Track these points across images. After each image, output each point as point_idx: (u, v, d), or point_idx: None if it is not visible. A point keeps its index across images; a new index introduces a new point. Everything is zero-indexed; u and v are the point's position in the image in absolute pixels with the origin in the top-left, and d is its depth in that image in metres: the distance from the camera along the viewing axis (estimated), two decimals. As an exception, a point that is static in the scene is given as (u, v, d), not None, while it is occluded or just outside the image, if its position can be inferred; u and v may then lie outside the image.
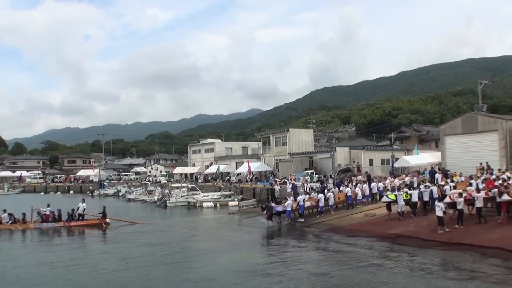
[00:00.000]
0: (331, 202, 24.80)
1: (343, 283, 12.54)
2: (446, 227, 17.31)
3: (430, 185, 22.56)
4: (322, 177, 38.39)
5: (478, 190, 19.02)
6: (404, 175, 30.10)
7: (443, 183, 22.97)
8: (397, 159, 39.79)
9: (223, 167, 61.28)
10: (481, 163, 26.37)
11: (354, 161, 43.35)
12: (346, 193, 25.81)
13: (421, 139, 67.23)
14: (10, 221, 25.96)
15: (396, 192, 22.13)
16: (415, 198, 21.34)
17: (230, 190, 44.03)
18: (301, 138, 53.76)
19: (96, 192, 61.57)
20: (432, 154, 38.79)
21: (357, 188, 26.27)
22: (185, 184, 48.29)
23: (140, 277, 14.04)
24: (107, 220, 26.91)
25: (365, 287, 12.07)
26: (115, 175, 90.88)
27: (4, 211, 26.70)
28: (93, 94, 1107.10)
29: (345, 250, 16.89)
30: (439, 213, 17.32)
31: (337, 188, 27.69)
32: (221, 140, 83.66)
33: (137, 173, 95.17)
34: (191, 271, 14.82)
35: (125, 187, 60.43)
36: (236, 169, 56.75)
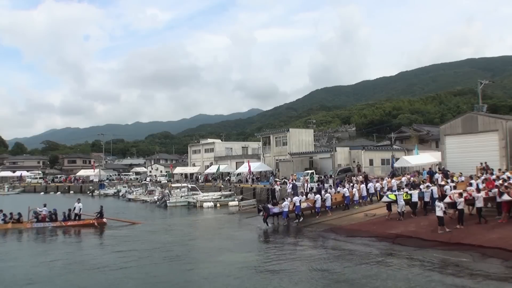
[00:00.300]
0: (328, 203, 24.73)
1: (343, 283, 12.53)
2: (446, 227, 17.31)
3: (430, 185, 22.55)
4: (322, 177, 38.38)
5: (478, 190, 19.00)
6: (401, 176, 30.06)
7: (443, 183, 22.97)
8: (397, 159, 39.79)
9: (223, 167, 61.26)
10: (481, 163, 26.37)
11: (354, 161, 43.34)
12: (344, 194, 25.72)
13: (421, 139, 67.21)
14: (2, 221, 25.85)
15: (396, 192, 22.12)
16: (415, 198, 21.33)
17: (230, 190, 44.04)
18: (301, 138, 53.74)
19: (96, 192, 61.56)
20: (432, 154, 38.79)
21: (354, 189, 26.19)
22: (185, 184, 48.30)
23: (139, 277, 14.03)
24: (104, 220, 26.90)
25: (365, 287, 12.07)
26: (115, 175, 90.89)
27: (0, 211, 26.69)
28: (93, 94, 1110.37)
29: (345, 250, 16.88)
30: (439, 213, 17.32)
31: (333, 189, 27.56)
32: (221, 140, 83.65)
33: (137, 173, 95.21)
34: (191, 271, 14.81)
35: (125, 187, 60.45)
36: (236, 169, 56.76)
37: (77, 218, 26.93)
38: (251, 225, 24.79)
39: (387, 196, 22.15)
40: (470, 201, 18.55)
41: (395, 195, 21.53)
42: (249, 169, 48.78)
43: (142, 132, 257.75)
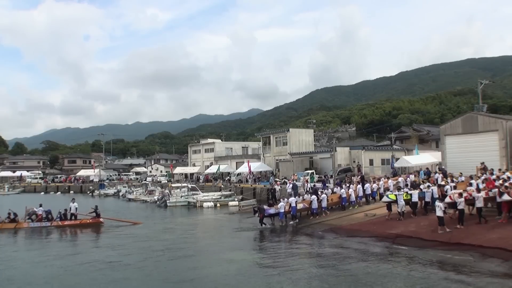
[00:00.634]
0: (324, 203, 24.61)
1: (343, 283, 12.54)
2: (447, 227, 17.31)
3: (431, 185, 22.54)
4: (323, 177, 38.39)
5: (478, 190, 18.99)
6: (397, 176, 29.97)
7: (443, 183, 22.96)
8: (397, 159, 39.77)
9: (223, 167, 61.27)
10: (481, 163, 26.35)
11: (354, 161, 43.33)
12: (340, 195, 25.63)
13: (421, 139, 67.16)
14: None
15: (397, 192, 22.11)
16: (415, 198, 21.32)
17: (230, 190, 44.05)
18: (301, 138, 53.72)
19: (96, 192, 61.55)
20: (432, 154, 38.77)
21: (350, 189, 26.05)
22: (185, 184, 48.32)
23: (139, 277, 14.04)
24: (101, 219, 26.89)
25: (365, 287, 12.08)
26: (116, 175, 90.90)
27: None
28: (93, 94, 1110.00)
29: (345, 250, 16.89)
30: (439, 213, 17.33)
31: (330, 190, 27.43)
32: (221, 140, 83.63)
33: (137, 173, 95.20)
34: (190, 271, 14.81)
35: (125, 187, 60.48)
36: (236, 169, 56.76)
37: (73, 217, 26.94)
38: (251, 225, 24.77)
39: (387, 196, 22.14)
40: (470, 201, 18.54)
41: (395, 195, 21.51)
42: (249, 169, 48.79)
43: (142, 132, 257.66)
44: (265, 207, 24.45)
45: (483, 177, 21.97)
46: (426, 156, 38.06)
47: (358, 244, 17.77)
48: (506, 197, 17.43)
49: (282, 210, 23.70)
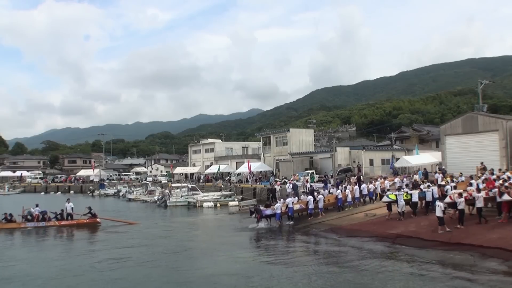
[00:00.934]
0: (320, 204, 24.51)
1: (343, 283, 12.54)
2: (447, 227, 17.31)
3: (431, 184, 22.54)
4: (324, 177, 38.38)
5: (478, 190, 19.00)
6: (394, 176, 29.95)
7: (443, 183, 22.96)
8: (397, 159, 39.79)
9: (224, 167, 61.30)
10: (481, 163, 26.36)
11: (354, 161, 43.35)
12: (337, 196, 25.53)
13: (422, 139, 67.15)
14: None
15: (397, 192, 22.11)
16: (415, 198, 21.32)
17: (230, 190, 44.06)
18: (302, 138, 53.73)
19: (97, 192, 61.60)
20: (433, 154, 38.79)
21: (347, 190, 25.96)
22: (185, 184, 48.33)
23: (137, 278, 14.02)
24: (98, 219, 26.87)
25: (365, 287, 12.07)
26: (116, 175, 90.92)
27: None
28: (94, 94, 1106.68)
29: (345, 250, 16.90)
30: (439, 213, 17.33)
31: (327, 191, 27.31)
32: (222, 140, 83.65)
33: (137, 173, 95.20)
34: (190, 271, 14.81)
35: (126, 187, 60.50)
36: (237, 169, 56.78)
37: (69, 218, 26.93)
38: (250, 226, 24.75)
39: (387, 196, 22.12)
40: (470, 201, 18.55)
41: (396, 195, 21.51)
42: (249, 169, 48.80)
43: (142, 132, 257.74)
44: (262, 208, 24.33)
45: (483, 177, 21.99)
46: (426, 156, 38.08)
47: (358, 244, 17.76)
48: (506, 197, 17.43)
49: (279, 211, 23.58)
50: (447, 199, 18.59)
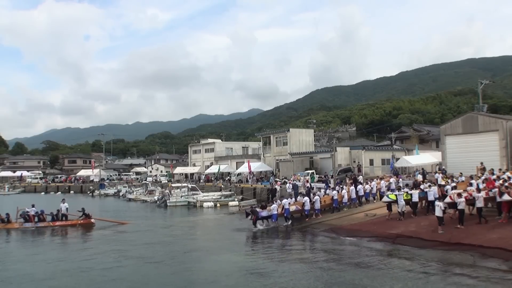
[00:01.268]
0: (317, 205, 24.46)
1: (343, 283, 12.53)
2: (447, 227, 17.31)
3: (432, 184, 22.53)
4: (324, 177, 38.36)
5: (478, 190, 19.00)
6: (389, 177, 29.89)
7: (443, 183, 22.96)
8: (397, 159, 39.78)
9: (224, 167, 61.29)
10: (481, 163, 26.36)
11: (354, 161, 43.35)
12: (333, 196, 25.47)
13: (422, 139, 67.14)
14: None
15: (397, 192, 22.11)
16: (415, 198, 21.31)
17: (230, 190, 44.05)
18: (302, 138, 53.71)
19: (97, 192, 61.58)
20: (433, 154, 38.79)
21: (343, 191, 25.84)
22: (185, 184, 48.33)
23: (135, 278, 14.00)
24: (92, 220, 26.84)
25: (365, 287, 12.07)
26: (116, 175, 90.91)
27: None
28: (94, 94, 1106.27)
29: (345, 250, 16.90)
30: (439, 213, 17.33)
31: (323, 191, 27.22)
32: (222, 140, 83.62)
33: (137, 173, 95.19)
34: (189, 271, 14.81)
35: (126, 187, 60.49)
36: (237, 169, 56.77)
37: (63, 218, 26.91)
38: (250, 226, 24.74)
39: (387, 196, 22.14)
40: (470, 201, 18.55)
41: (396, 195, 21.52)
42: (249, 169, 48.79)
43: (142, 132, 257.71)
44: (258, 209, 24.15)
45: (483, 177, 21.99)
46: (426, 156, 38.07)
47: (358, 244, 17.77)
48: (506, 197, 17.43)
49: (275, 212, 23.43)
50: (447, 199, 18.60)
